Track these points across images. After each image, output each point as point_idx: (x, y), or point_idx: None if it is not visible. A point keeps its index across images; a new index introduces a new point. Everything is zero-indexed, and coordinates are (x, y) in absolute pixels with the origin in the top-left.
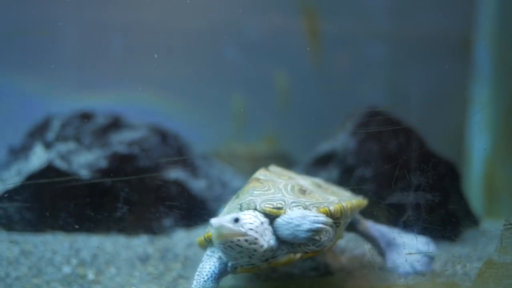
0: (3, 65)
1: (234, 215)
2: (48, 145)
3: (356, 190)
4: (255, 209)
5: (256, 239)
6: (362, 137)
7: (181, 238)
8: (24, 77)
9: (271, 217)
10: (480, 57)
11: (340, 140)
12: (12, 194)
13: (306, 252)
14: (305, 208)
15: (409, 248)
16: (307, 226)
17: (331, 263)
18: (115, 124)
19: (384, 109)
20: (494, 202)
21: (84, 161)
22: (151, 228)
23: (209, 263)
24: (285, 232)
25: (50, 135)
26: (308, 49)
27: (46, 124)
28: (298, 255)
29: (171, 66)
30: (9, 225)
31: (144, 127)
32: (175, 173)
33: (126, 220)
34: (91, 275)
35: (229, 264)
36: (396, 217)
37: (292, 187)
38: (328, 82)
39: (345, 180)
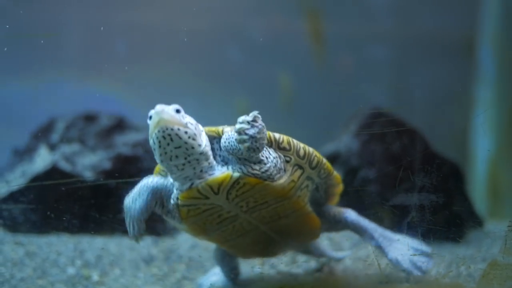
0: (8, 67)
1: (176, 106)
2: (52, 147)
3: (360, 191)
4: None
5: (195, 134)
6: (365, 138)
7: (185, 240)
8: (29, 79)
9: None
10: (483, 58)
11: (344, 141)
12: (16, 196)
13: (248, 176)
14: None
15: (405, 246)
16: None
17: (335, 264)
18: (119, 125)
19: (387, 110)
20: (498, 203)
21: (89, 162)
22: (155, 229)
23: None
24: (224, 144)
25: (55, 136)
26: (311, 50)
27: (50, 125)
28: (237, 174)
29: (175, 67)
30: (14, 227)
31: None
32: None
33: None
34: (95, 276)
35: (172, 198)
36: (400, 218)
37: None
38: (331, 83)
39: (349, 181)
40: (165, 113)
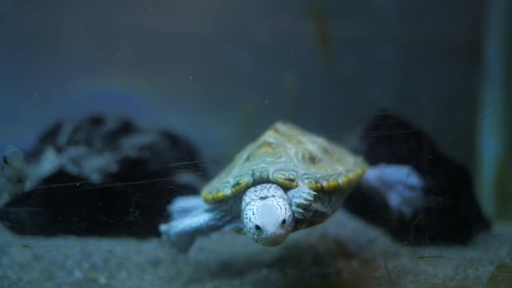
0: (14, 70)
1: (281, 219)
2: (59, 150)
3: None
4: (268, 178)
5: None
6: (372, 141)
7: None
8: (35, 82)
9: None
10: (491, 59)
11: (350, 143)
12: (24, 199)
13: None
14: (316, 181)
15: (398, 182)
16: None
17: (343, 267)
18: (126, 128)
19: (394, 112)
20: (506, 205)
21: (96, 165)
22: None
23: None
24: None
25: (62, 139)
26: (317, 52)
27: (57, 128)
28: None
29: (181, 70)
30: (21, 229)
31: (155, 131)
32: (186, 177)
33: (137, 224)
34: (102, 279)
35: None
36: (407, 221)
37: (303, 155)
38: (337, 85)
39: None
40: (278, 237)
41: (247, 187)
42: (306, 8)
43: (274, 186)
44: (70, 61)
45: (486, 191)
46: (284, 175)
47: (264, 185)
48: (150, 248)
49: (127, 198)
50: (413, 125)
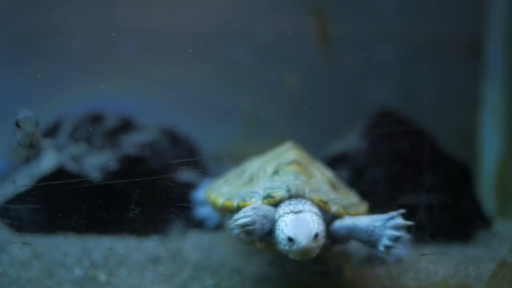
0: (14, 67)
1: (314, 232)
2: (59, 147)
3: (367, 191)
4: (304, 196)
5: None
6: (373, 138)
7: (193, 240)
8: (36, 79)
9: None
10: (492, 57)
11: (351, 141)
12: (24, 196)
13: None
14: (344, 208)
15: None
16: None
17: (343, 264)
18: (126, 126)
19: (395, 110)
20: (507, 203)
21: (96, 163)
22: (162, 229)
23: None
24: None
25: (62, 137)
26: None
27: (57, 126)
28: None
29: (181, 68)
30: (21, 227)
31: (155, 129)
32: (186, 175)
33: (137, 221)
34: (103, 277)
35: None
36: (408, 218)
37: (326, 180)
38: (338, 83)
39: (356, 181)
40: (309, 250)
41: (281, 201)
42: (307, 7)
43: (309, 202)
44: (70, 58)
45: (487, 189)
46: (319, 196)
47: (299, 199)
48: (150, 245)
49: (127, 195)
50: (414, 122)
